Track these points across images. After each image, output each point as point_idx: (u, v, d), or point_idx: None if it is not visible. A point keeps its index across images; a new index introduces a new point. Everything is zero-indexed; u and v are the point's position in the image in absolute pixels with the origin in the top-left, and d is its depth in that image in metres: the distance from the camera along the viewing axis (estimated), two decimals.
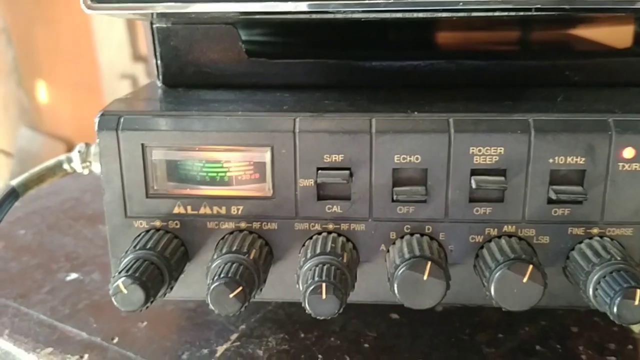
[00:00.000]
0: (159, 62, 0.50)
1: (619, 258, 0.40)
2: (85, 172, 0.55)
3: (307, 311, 0.39)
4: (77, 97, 2.08)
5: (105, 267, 0.62)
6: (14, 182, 0.56)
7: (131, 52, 2.00)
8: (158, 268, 0.41)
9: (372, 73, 0.51)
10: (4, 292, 0.58)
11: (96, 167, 0.53)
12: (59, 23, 2.05)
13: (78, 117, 2.09)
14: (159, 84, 0.51)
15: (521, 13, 0.39)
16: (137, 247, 0.42)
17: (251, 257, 0.42)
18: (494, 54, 0.50)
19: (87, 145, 0.55)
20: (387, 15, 0.41)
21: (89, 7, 0.39)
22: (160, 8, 0.39)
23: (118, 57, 1.99)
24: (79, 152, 0.54)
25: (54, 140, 2.13)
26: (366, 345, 0.48)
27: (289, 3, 0.38)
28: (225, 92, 0.49)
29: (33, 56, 2.18)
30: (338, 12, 0.38)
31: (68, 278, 0.60)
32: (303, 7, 0.39)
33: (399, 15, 0.40)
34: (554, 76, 0.50)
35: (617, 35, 0.57)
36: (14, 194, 0.55)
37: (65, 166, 0.56)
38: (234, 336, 0.49)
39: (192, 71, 0.50)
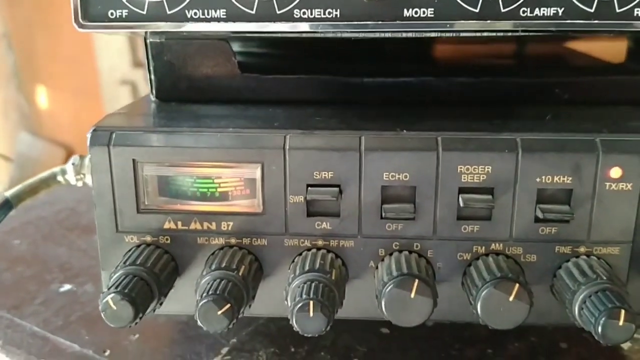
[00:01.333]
0: (152, 76, 0.51)
1: (604, 278, 0.40)
2: (79, 184, 0.55)
3: (294, 328, 0.40)
4: (77, 102, 2.09)
5: (99, 279, 0.62)
6: (8, 194, 0.56)
7: (131, 58, 2.00)
8: (147, 284, 0.41)
9: (364, 89, 0.51)
10: None
11: (90, 179, 0.53)
12: (59, 29, 2.06)
13: (78, 123, 2.10)
14: (153, 98, 0.52)
15: (509, 34, 0.39)
16: (127, 263, 0.42)
17: (240, 273, 0.42)
18: (484, 71, 0.50)
19: (81, 157, 0.55)
20: (377, 35, 0.42)
21: (81, 26, 0.39)
22: (151, 28, 0.40)
23: (118, 63, 2.00)
24: (73, 164, 0.55)
25: (54, 145, 2.14)
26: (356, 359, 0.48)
27: (278, 24, 0.39)
28: (217, 107, 0.50)
29: (33, 61, 2.19)
30: (327, 33, 0.39)
31: (61, 289, 0.61)
32: (293, 28, 0.39)
33: (389, 35, 0.41)
34: (543, 94, 0.51)
35: (610, 50, 0.57)
36: (7, 205, 0.55)
37: (59, 178, 0.57)
38: (224, 350, 0.50)
39: (185, 86, 0.51)
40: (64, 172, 0.56)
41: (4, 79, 2.26)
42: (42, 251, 0.68)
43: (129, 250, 0.44)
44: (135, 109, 0.51)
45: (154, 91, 0.51)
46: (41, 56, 2.17)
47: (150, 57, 0.50)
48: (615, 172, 0.42)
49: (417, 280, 0.40)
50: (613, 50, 0.56)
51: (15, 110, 2.27)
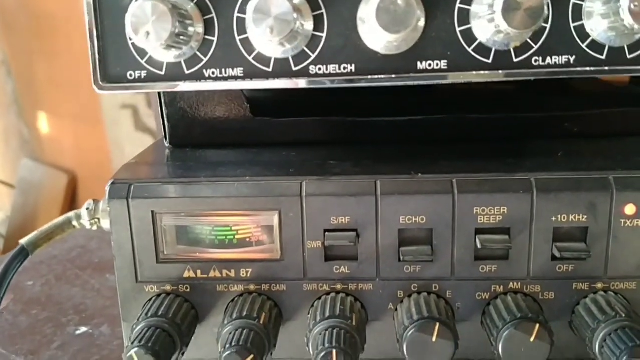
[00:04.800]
0: (166, 123, 0.51)
1: (623, 315, 0.41)
2: (94, 228, 0.56)
3: None
4: (78, 127, 2.10)
5: (114, 320, 0.62)
6: (23, 241, 0.56)
7: None
8: (170, 335, 0.42)
9: (376, 129, 0.52)
10: (14, 349, 0.58)
11: (104, 224, 0.53)
12: (58, 55, 2.07)
13: (79, 148, 2.10)
14: (167, 144, 0.52)
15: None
16: (149, 315, 0.43)
17: (261, 322, 0.42)
18: (494, 108, 0.51)
19: (95, 201, 0.55)
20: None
21: (100, 88, 0.40)
22: (170, 88, 0.40)
23: None
24: (88, 209, 0.55)
25: (56, 170, 2.14)
26: None
27: (295, 80, 0.39)
28: (232, 153, 0.50)
29: (33, 88, 2.19)
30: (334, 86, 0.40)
31: (78, 332, 0.61)
32: (310, 84, 0.39)
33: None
34: (553, 128, 0.51)
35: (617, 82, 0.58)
36: (23, 252, 0.55)
37: (74, 223, 0.57)
38: None
39: (198, 131, 0.51)
40: (78, 217, 0.56)
41: (4, 106, 2.26)
42: (56, 292, 0.69)
43: (150, 300, 0.45)
44: (151, 157, 0.51)
45: (167, 137, 0.52)
46: (41, 82, 2.18)
47: (163, 104, 0.50)
48: (630, 209, 0.42)
49: (438, 324, 0.41)
50: (621, 82, 0.57)
51: (16, 136, 2.28)
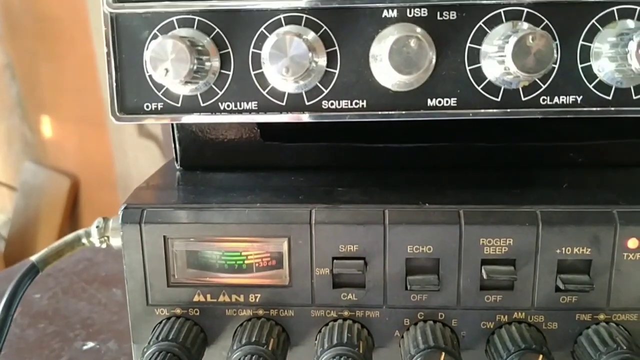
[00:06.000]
0: (177, 146, 0.52)
1: (624, 347, 0.42)
2: (103, 246, 0.56)
3: None
4: (81, 131, 2.10)
5: (121, 335, 0.63)
6: (33, 258, 0.57)
7: None
8: (180, 359, 0.42)
9: (383, 155, 0.52)
10: None
11: (114, 241, 0.54)
12: (63, 58, 2.07)
13: (82, 151, 2.11)
14: (177, 166, 0.53)
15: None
16: (160, 338, 0.43)
17: (270, 347, 0.43)
18: (500, 137, 0.52)
19: (105, 219, 0.56)
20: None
21: (118, 119, 0.40)
22: (186, 120, 0.41)
23: None
24: (97, 227, 0.56)
25: (58, 174, 2.14)
26: None
27: (307, 115, 0.40)
28: (242, 176, 0.51)
29: (37, 91, 2.20)
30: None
31: (85, 347, 0.62)
32: (322, 119, 0.40)
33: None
34: (559, 157, 0.52)
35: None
36: (33, 269, 0.56)
37: (84, 240, 0.58)
38: None
39: (209, 154, 0.52)
40: (88, 235, 0.57)
41: (7, 109, 2.27)
42: (63, 306, 0.69)
43: (160, 323, 0.45)
44: (162, 180, 0.52)
45: (178, 160, 0.53)
46: (45, 86, 2.18)
47: (175, 127, 0.51)
48: (633, 243, 0.43)
49: (444, 354, 0.41)
50: None
51: (19, 139, 2.28)
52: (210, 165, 0.53)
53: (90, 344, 0.62)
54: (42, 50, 2.14)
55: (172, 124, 0.52)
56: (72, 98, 2.10)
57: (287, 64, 0.36)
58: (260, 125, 0.52)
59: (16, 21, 2.16)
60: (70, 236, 0.59)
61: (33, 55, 2.17)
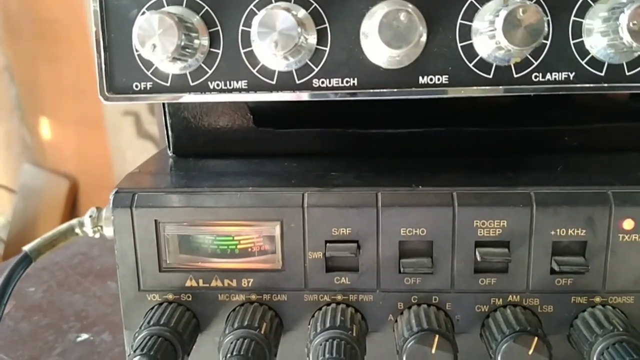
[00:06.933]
0: (169, 132, 0.52)
1: (621, 329, 0.41)
2: (97, 235, 0.56)
3: None
4: (80, 133, 2.10)
5: (115, 327, 0.63)
6: (26, 248, 0.57)
7: None
8: (172, 344, 0.42)
9: (377, 140, 0.52)
10: (15, 355, 0.58)
11: (107, 231, 0.54)
12: (61, 60, 2.08)
13: (81, 153, 2.11)
14: (170, 153, 0.53)
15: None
16: (151, 323, 0.43)
17: (262, 331, 0.43)
18: (494, 121, 0.52)
19: (99, 209, 0.56)
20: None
21: (106, 98, 0.40)
22: (175, 99, 0.41)
23: None
24: (90, 216, 0.55)
25: (57, 176, 2.14)
26: None
27: (298, 93, 0.40)
28: (234, 163, 0.51)
29: (36, 93, 2.20)
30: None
31: (79, 339, 0.61)
32: (313, 97, 0.40)
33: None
34: (553, 141, 0.52)
35: (617, 97, 0.58)
36: (26, 259, 0.56)
37: (77, 230, 0.57)
38: None
39: (201, 141, 0.52)
40: (81, 225, 0.57)
41: (6, 111, 2.27)
42: (57, 298, 0.69)
43: (152, 309, 0.45)
44: (154, 167, 0.52)
45: (171, 147, 0.52)
46: (44, 88, 2.18)
47: (167, 114, 0.51)
48: (628, 224, 0.42)
49: (437, 336, 0.41)
50: (620, 96, 0.57)
51: (18, 141, 2.28)
52: (203, 152, 0.52)
53: (84, 336, 0.62)
54: (41, 52, 2.14)
55: (164, 111, 0.51)
56: (70, 100, 2.10)
57: (275, 38, 0.36)
58: (253, 111, 0.52)
59: (15, 23, 2.16)
60: (63, 226, 0.59)
61: (32, 58, 2.17)
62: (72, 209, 2.11)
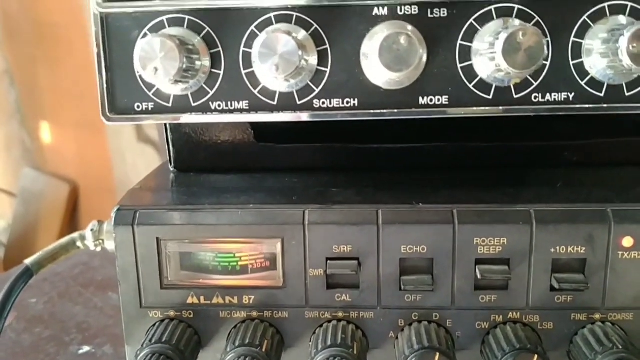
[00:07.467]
0: (171, 147, 0.52)
1: (620, 346, 0.41)
2: (98, 249, 0.56)
3: None
4: (81, 137, 2.10)
5: (117, 339, 0.63)
6: (28, 261, 0.57)
7: None
8: None
9: (377, 156, 0.52)
10: None
11: (109, 245, 0.54)
12: (61, 64, 2.08)
13: (81, 157, 2.11)
14: (171, 168, 0.53)
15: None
16: (153, 341, 0.43)
17: (263, 349, 0.43)
18: (494, 136, 0.52)
19: (100, 222, 0.56)
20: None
21: (108, 119, 0.40)
22: (177, 120, 0.41)
23: None
24: (92, 230, 0.56)
25: (58, 180, 2.14)
26: None
27: (299, 114, 0.40)
28: (235, 178, 0.51)
29: (36, 97, 2.20)
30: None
31: (80, 351, 0.61)
32: (314, 117, 0.40)
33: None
34: (553, 157, 0.52)
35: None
36: (27, 272, 0.56)
37: (79, 244, 0.57)
38: None
39: (203, 156, 0.52)
40: (83, 238, 0.57)
41: (6, 115, 2.27)
42: (58, 310, 0.69)
43: (154, 325, 0.45)
44: (155, 182, 0.52)
45: (172, 162, 0.52)
46: (44, 91, 2.18)
47: (169, 129, 0.51)
48: (627, 242, 0.43)
49: (438, 354, 0.41)
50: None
51: (18, 145, 2.28)
52: (204, 167, 0.53)
53: (85, 348, 0.62)
54: (41, 55, 2.14)
55: (166, 126, 0.51)
56: (70, 104, 2.10)
57: (276, 61, 0.36)
58: (254, 126, 0.52)
59: (15, 27, 2.16)
60: (65, 239, 0.59)
61: (32, 61, 2.17)
62: (72, 213, 2.11)
